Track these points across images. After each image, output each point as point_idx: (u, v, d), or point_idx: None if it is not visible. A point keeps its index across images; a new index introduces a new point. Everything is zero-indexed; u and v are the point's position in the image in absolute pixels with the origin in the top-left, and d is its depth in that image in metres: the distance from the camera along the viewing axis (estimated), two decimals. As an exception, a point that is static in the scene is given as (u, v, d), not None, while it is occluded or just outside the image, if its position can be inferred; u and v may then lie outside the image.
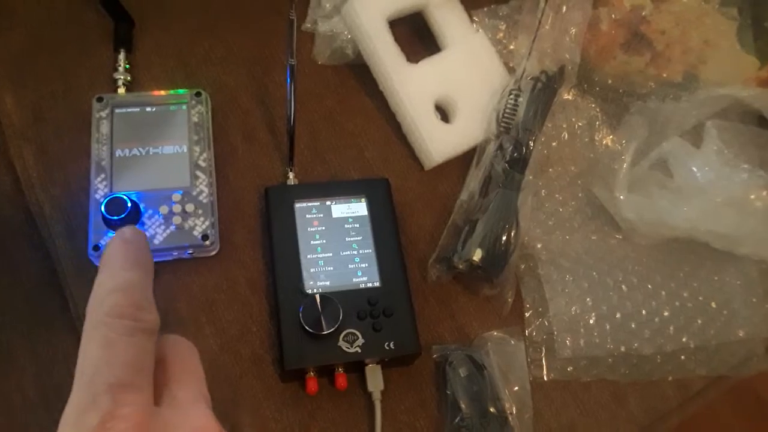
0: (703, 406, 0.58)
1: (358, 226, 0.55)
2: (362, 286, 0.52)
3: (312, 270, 0.52)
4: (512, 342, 0.55)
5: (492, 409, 0.51)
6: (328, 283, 0.52)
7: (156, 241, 0.52)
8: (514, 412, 0.52)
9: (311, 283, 0.52)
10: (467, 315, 0.56)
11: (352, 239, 0.54)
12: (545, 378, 0.56)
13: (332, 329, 0.49)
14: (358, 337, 0.50)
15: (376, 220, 0.55)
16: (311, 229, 0.54)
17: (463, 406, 0.50)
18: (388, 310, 0.51)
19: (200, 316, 0.52)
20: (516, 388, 0.53)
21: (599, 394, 0.56)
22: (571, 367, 0.56)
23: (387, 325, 0.51)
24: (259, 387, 0.51)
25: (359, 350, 0.49)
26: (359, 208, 0.55)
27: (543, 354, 0.56)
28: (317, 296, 0.49)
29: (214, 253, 0.54)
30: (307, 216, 0.54)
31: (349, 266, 0.53)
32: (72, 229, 0.54)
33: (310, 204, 0.55)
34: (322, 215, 0.55)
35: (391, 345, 0.50)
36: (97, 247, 0.50)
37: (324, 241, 0.53)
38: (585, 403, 0.56)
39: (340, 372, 0.50)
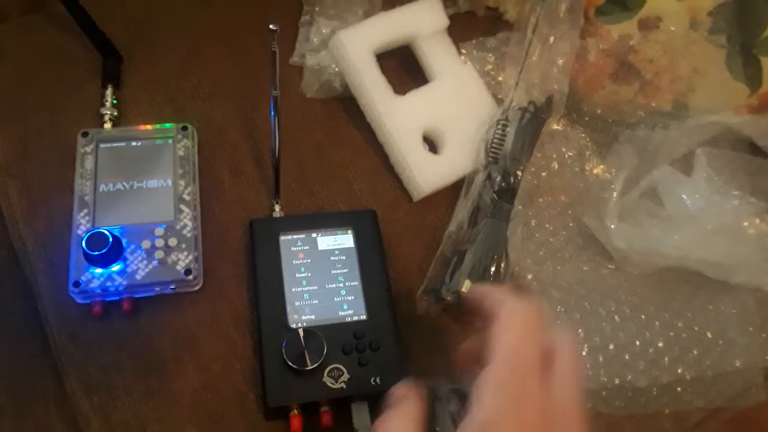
0: None
1: (344, 258, 0.54)
2: (348, 319, 0.51)
3: (297, 304, 0.51)
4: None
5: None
6: (313, 316, 0.51)
7: (138, 277, 0.51)
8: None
9: (295, 317, 0.51)
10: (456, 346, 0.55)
11: (338, 272, 0.53)
12: (538, 413, 0.54)
13: (316, 364, 0.48)
14: (343, 373, 0.49)
15: (362, 252, 0.54)
16: (296, 262, 0.53)
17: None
18: (375, 344, 0.50)
19: (183, 353, 0.51)
20: None
21: (594, 429, 0.54)
22: (564, 400, 0.55)
23: (373, 360, 0.49)
24: (242, 426, 0.49)
25: (344, 386, 0.48)
26: (346, 240, 0.55)
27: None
28: (300, 330, 0.48)
29: (197, 288, 0.53)
30: (293, 249, 0.53)
31: (335, 299, 0.52)
32: (54, 265, 0.53)
33: (295, 236, 0.54)
34: (307, 248, 0.54)
35: (378, 380, 0.49)
36: (77, 284, 0.50)
37: (309, 274, 0.53)
38: (579, 439, 0.54)
39: (325, 409, 0.49)
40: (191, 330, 0.52)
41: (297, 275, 0.52)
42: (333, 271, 0.53)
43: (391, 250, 0.57)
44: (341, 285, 0.53)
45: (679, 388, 0.57)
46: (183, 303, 0.53)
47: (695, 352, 0.57)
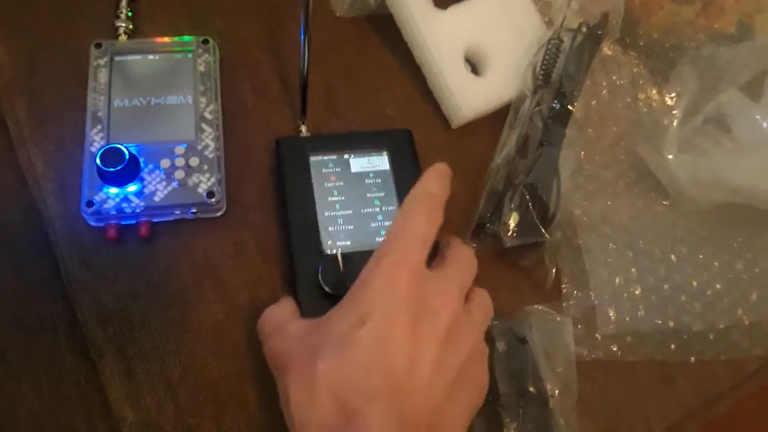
0: (737, 401, 0.53)
1: (379, 181, 0.49)
2: None
3: (330, 229, 0.47)
4: (558, 319, 0.49)
5: (531, 389, 0.45)
6: (348, 243, 0.47)
7: (156, 198, 0.46)
8: (556, 394, 0.46)
9: (330, 242, 0.46)
10: (505, 286, 0.50)
11: (373, 195, 0.49)
12: (586, 357, 0.50)
13: None
14: None
15: (399, 175, 0.50)
16: (328, 185, 0.48)
17: (499, 383, 0.45)
18: None
19: (204, 281, 0.47)
20: (560, 369, 0.48)
21: (645, 375, 0.51)
22: (615, 345, 0.51)
23: None
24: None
25: None
26: (380, 161, 0.50)
27: (584, 331, 0.51)
28: (339, 255, 0.44)
29: (220, 213, 0.49)
30: (324, 171, 0.49)
31: (372, 225, 0.48)
32: (65, 187, 0.49)
33: (326, 158, 0.50)
34: (339, 170, 0.49)
35: None
36: (91, 203, 0.46)
37: (342, 198, 0.48)
38: (630, 384, 0.50)
39: None
40: (214, 258, 0.48)
41: (330, 199, 0.48)
42: (368, 195, 0.49)
43: (429, 180, 0.53)
44: (378, 210, 0.48)
45: (737, 335, 0.53)
46: (205, 229, 0.49)
47: (755, 295, 0.53)
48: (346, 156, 0.50)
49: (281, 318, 0.42)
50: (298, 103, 0.53)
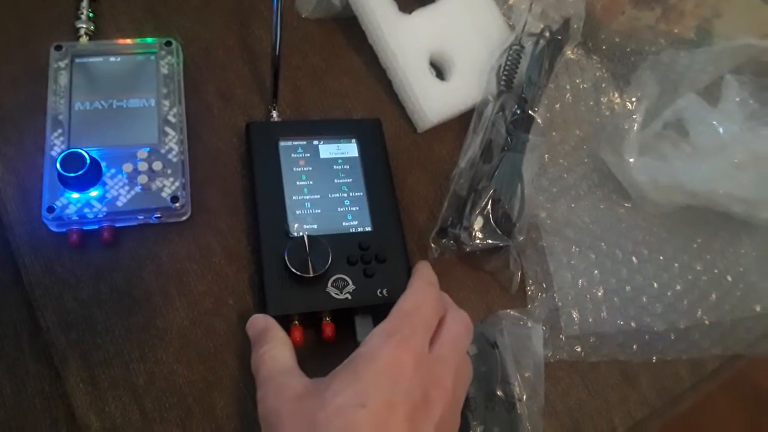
0: (698, 399, 0.54)
1: (348, 167, 0.50)
2: (353, 230, 0.48)
3: (298, 212, 0.47)
4: (529, 324, 0.50)
5: (499, 393, 0.46)
6: (315, 226, 0.47)
7: (119, 203, 0.46)
8: (524, 398, 0.47)
9: (297, 225, 0.47)
10: (472, 289, 0.51)
11: (341, 181, 0.49)
12: (550, 358, 0.51)
13: (321, 272, 0.44)
14: (348, 283, 0.45)
15: (367, 163, 0.51)
16: (297, 170, 0.49)
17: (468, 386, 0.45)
18: (381, 256, 0.47)
19: (169, 288, 0.47)
20: (527, 374, 0.48)
21: (609, 374, 0.52)
22: (579, 346, 0.52)
23: (379, 271, 0.46)
24: (235, 365, 0.45)
25: (349, 296, 0.45)
26: (349, 149, 0.51)
27: (548, 332, 0.51)
28: (305, 236, 0.45)
29: (185, 218, 0.49)
30: (293, 155, 0.50)
31: (339, 209, 0.48)
32: (26, 192, 0.48)
33: (295, 143, 0.50)
34: (308, 155, 0.50)
35: (384, 292, 0.46)
36: (51, 209, 0.45)
37: (311, 183, 0.49)
38: (594, 384, 0.51)
39: (327, 321, 0.45)
40: (179, 263, 0.48)
41: (298, 183, 0.49)
42: (336, 181, 0.49)
43: (396, 183, 0.53)
44: (345, 195, 0.49)
45: (697, 335, 0.54)
46: (169, 234, 0.48)
47: (714, 296, 0.55)
48: (315, 142, 0.50)
49: (281, 364, 0.41)
50: (264, 107, 0.52)
